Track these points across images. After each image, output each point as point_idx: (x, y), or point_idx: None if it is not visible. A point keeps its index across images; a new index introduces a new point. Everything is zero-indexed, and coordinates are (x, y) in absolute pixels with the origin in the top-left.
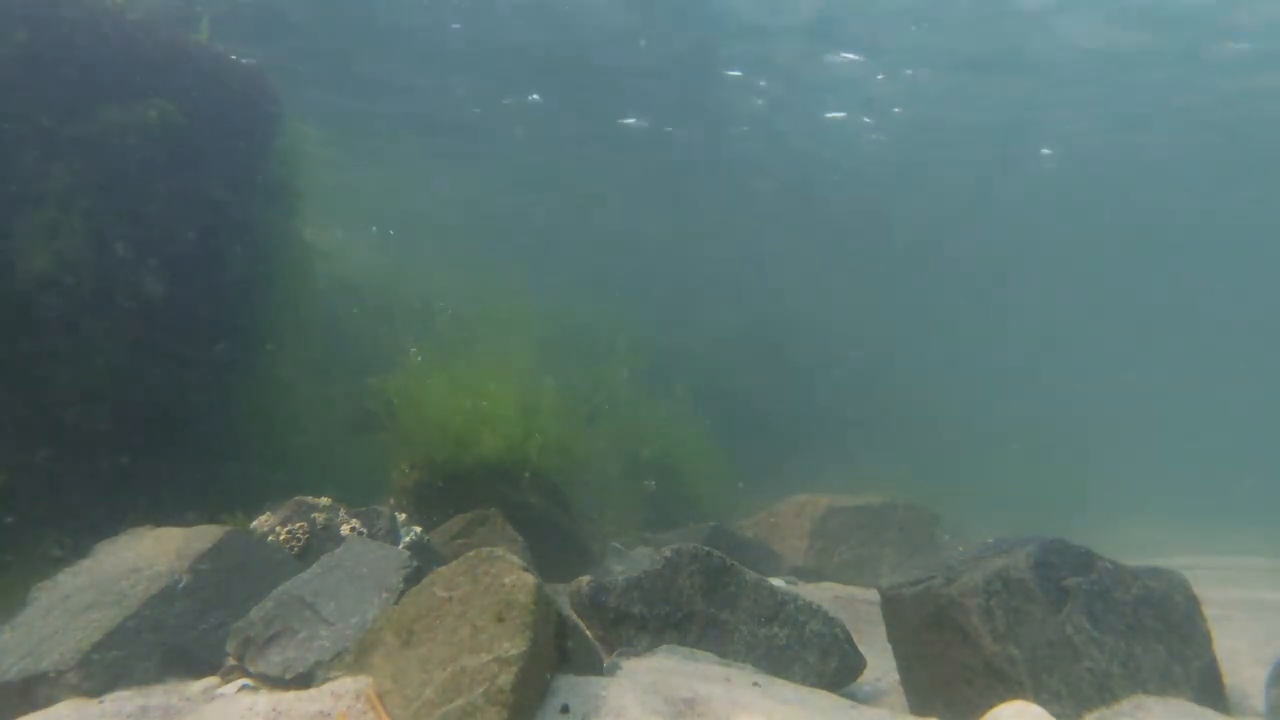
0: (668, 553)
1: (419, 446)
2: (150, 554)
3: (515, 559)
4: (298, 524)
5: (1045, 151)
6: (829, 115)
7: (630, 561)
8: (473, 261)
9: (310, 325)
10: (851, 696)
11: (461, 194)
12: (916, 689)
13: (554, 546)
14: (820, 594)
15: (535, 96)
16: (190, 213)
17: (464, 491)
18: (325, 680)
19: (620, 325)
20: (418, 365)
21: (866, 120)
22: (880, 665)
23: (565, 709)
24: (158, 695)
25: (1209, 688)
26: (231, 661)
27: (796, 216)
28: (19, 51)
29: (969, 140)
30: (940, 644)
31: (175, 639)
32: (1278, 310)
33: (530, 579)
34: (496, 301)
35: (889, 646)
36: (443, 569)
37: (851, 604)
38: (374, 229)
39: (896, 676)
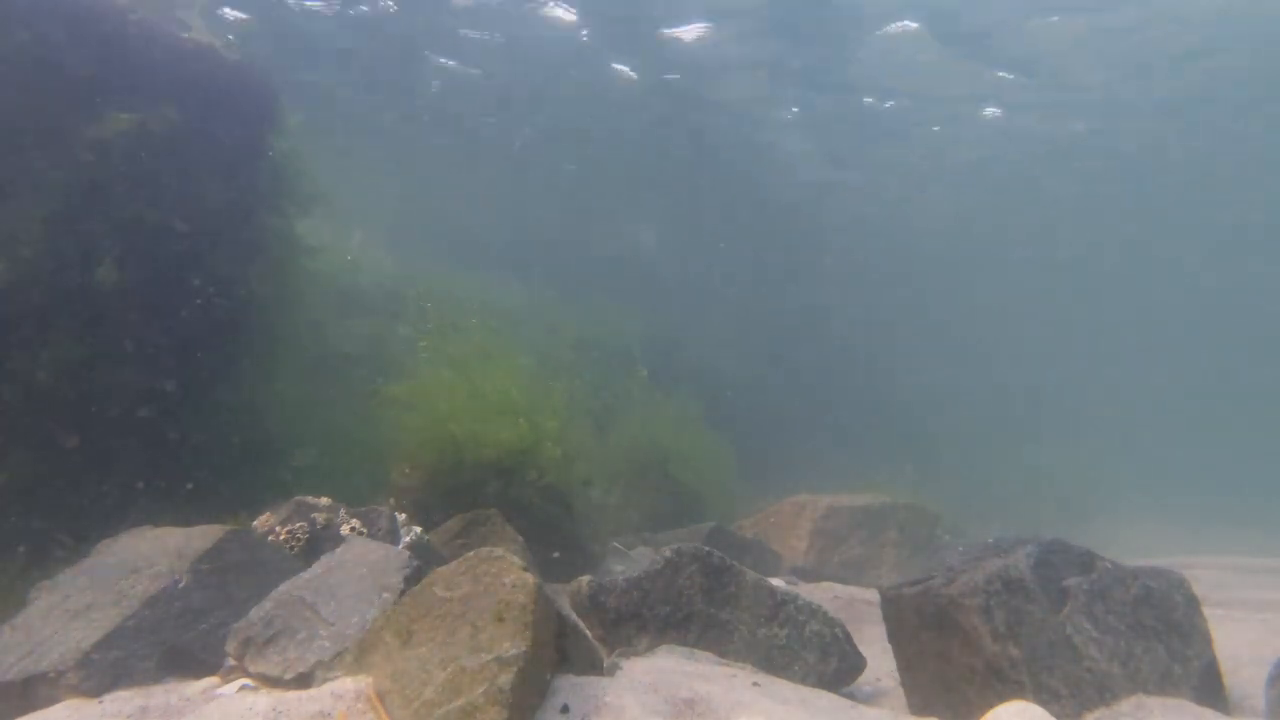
0: (668, 553)
1: (420, 446)
2: (150, 554)
3: (515, 559)
4: (298, 524)
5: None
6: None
7: (630, 561)
8: (487, 266)
9: (310, 325)
10: (851, 696)
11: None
12: (916, 689)
13: (554, 546)
14: (820, 594)
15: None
16: (189, 213)
17: (464, 491)
18: (325, 680)
19: (624, 327)
20: (418, 365)
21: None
22: (880, 665)
23: (565, 709)
24: (158, 695)
25: (1209, 688)
26: (231, 661)
27: (795, 217)
28: (19, 50)
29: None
30: (940, 644)
31: (175, 639)
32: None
33: (530, 579)
34: (503, 303)
35: (889, 646)
36: (443, 569)
37: (851, 604)
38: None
39: (896, 676)
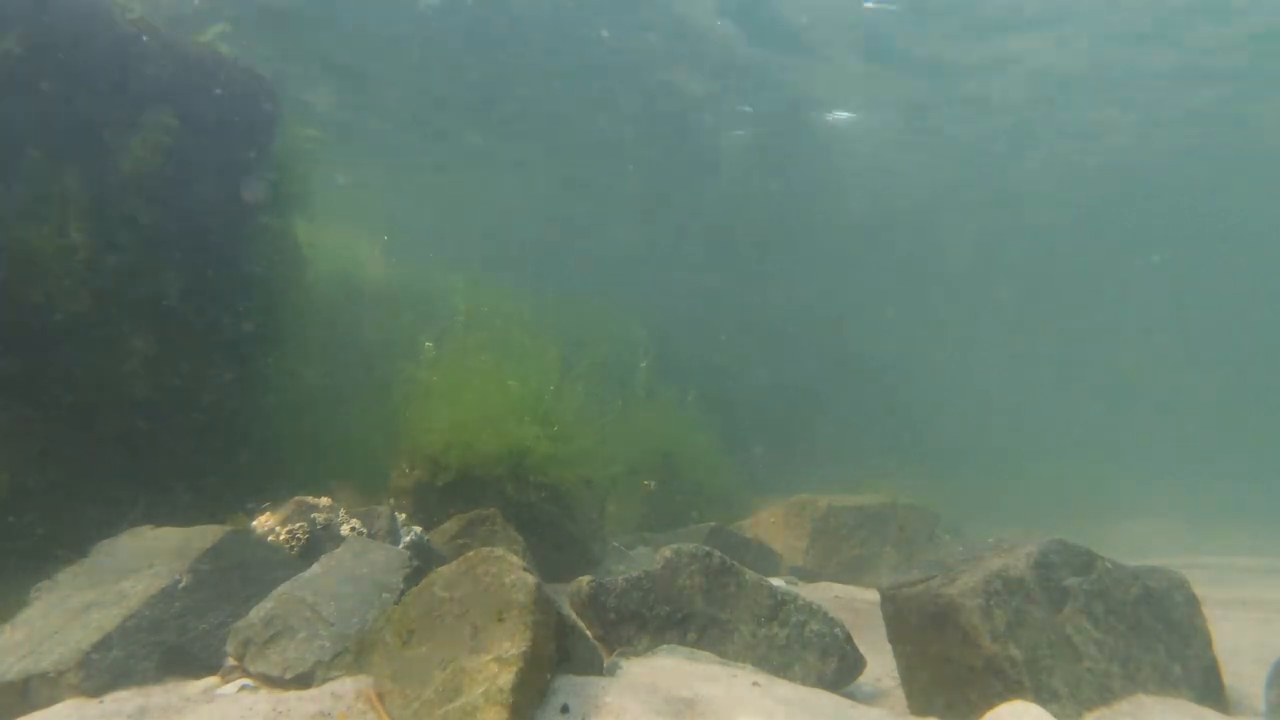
0: (668, 553)
1: (419, 446)
2: (150, 554)
3: (515, 559)
4: (298, 524)
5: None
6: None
7: (630, 561)
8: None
9: (312, 326)
10: (851, 696)
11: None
12: (916, 689)
13: (554, 546)
14: (820, 594)
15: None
16: (191, 216)
17: (464, 491)
18: (325, 680)
19: (626, 325)
20: (417, 365)
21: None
22: (880, 665)
23: (565, 709)
24: (158, 695)
25: (1209, 688)
26: (231, 661)
27: (798, 216)
28: (12, 56)
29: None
30: (940, 644)
31: (175, 639)
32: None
33: (530, 579)
34: (505, 302)
35: (889, 646)
36: (443, 569)
37: (851, 604)
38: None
39: (896, 676)
